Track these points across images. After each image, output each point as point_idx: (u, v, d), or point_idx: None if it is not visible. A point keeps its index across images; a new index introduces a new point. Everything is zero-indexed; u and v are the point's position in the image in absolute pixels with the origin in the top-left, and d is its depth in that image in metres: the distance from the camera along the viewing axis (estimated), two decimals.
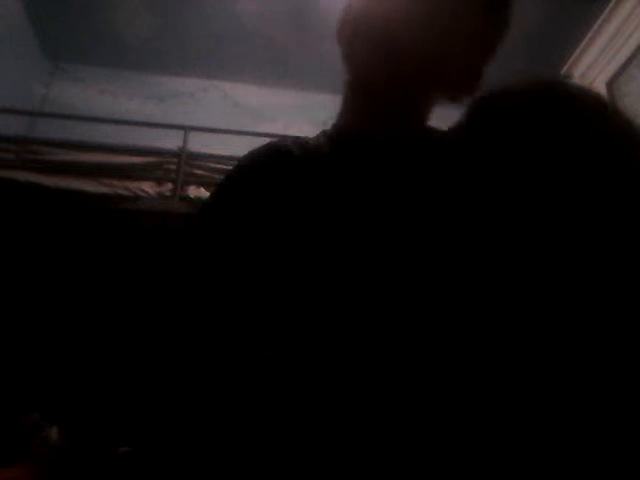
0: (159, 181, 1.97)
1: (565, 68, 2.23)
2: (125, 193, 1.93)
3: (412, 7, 0.52)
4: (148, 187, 1.94)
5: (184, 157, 1.98)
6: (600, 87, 2.09)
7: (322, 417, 0.37)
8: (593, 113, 0.43)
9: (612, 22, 1.99)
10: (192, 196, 1.97)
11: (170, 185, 1.96)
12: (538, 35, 2.65)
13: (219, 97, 3.09)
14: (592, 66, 2.13)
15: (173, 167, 1.98)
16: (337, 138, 0.53)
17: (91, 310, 2.03)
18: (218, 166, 2.04)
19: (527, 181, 0.40)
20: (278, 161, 0.51)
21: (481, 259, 0.40)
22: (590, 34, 2.09)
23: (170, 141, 2.04)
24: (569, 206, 0.39)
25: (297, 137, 0.56)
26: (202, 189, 1.99)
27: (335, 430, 0.36)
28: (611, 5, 1.98)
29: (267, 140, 0.55)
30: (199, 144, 2.10)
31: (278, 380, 0.39)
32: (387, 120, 0.54)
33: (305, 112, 3.03)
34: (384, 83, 0.52)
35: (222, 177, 0.52)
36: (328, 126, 0.60)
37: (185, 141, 2.05)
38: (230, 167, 0.54)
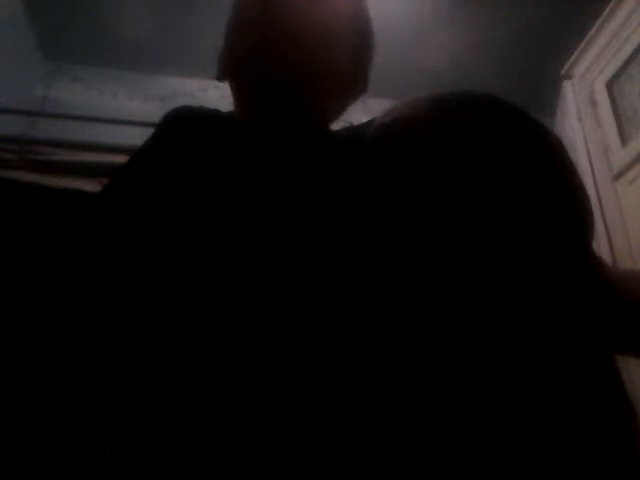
0: None
1: (565, 68, 2.23)
2: None
3: (299, 12, 0.53)
4: None
5: None
6: (600, 87, 2.08)
7: (318, 417, 0.37)
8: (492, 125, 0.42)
9: (612, 22, 1.99)
10: None
11: None
12: (538, 35, 2.65)
13: (219, 97, 3.07)
14: (592, 66, 2.12)
15: None
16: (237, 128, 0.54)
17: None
18: None
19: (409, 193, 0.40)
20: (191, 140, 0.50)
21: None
22: (590, 34, 2.08)
23: None
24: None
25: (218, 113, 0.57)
26: None
27: (331, 430, 0.36)
28: (611, 5, 1.97)
29: None
30: None
31: (270, 378, 0.39)
32: (281, 117, 0.54)
33: None
34: (273, 80, 0.53)
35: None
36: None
37: None
38: None
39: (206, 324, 0.40)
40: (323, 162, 0.47)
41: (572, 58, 2.19)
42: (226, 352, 0.40)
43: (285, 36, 0.52)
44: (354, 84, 0.63)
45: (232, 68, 0.57)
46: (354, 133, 0.51)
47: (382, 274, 0.39)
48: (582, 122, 2.09)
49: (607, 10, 1.99)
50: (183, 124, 0.52)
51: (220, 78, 0.60)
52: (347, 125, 0.60)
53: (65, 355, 0.44)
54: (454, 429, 0.35)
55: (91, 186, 1.99)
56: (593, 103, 2.10)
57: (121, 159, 2.12)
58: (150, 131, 0.58)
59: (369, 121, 0.52)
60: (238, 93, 0.58)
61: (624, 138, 1.93)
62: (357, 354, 0.38)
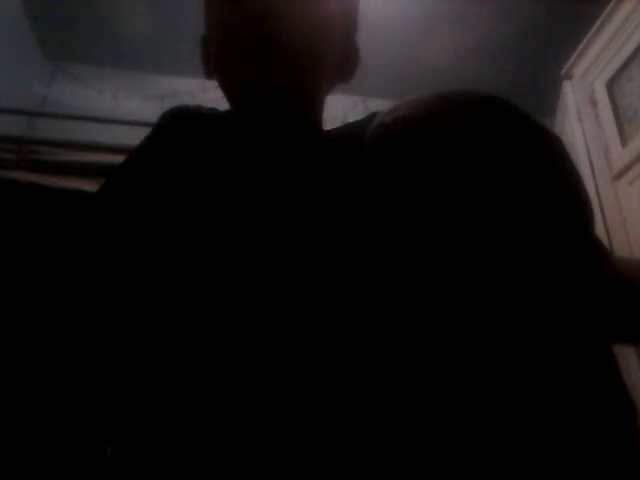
0: None
1: (565, 68, 2.23)
2: None
3: (283, 7, 0.52)
4: None
5: None
6: (600, 87, 2.08)
7: (317, 416, 0.37)
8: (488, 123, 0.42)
9: (612, 22, 1.99)
10: None
11: None
12: (538, 35, 2.65)
13: (219, 97, 3.07)
14: (592, 66, 2.12)
15: None
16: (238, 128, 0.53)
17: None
18: None
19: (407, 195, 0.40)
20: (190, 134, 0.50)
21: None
22: (590, 34, 2.08)
23: None
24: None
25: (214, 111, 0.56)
26: None
27: (330, 429, 0.36)
28: (611, 5, 1.98)
29: None
30: None
31: (270, 377, 0.39)
32: (280, 114, 0.53)
33: None
34: (278, 89, 0.52)
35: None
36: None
37: None
38: None
39: (205, 323, 0.40)
40: (322, 161, 0.47)
41: (572, 58, 2.19)
42: (225, 351, 0.40)
43: (285, 38, 0.51)
44: (348, 68, 0.63)
45: (228, 69, 0.56)
46: (353, 130, 0.51)
47: (381, 274, 0.39)
48: (582, 122, 2.09)
49: (607, 10, 1.99)
50: (180, 123, 0.52)
51: (210, 77, 0.60)
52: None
53: (65, 355, 0.44)
54: (453, 427, 0.35)
55: (91, 186, 1.99)
56: (593, 103, 2.10)
57: (121, 159, 2.11)
58: (150, 131, 0.58)
59: (368, 117, 0.52)
60: (233, 95, 0.57)
61: (624, 138, 1.93)
62: (357, 353, 0.38)
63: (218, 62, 0.57)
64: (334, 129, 0.57)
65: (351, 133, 0.50)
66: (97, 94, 3.00)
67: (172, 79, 3.11)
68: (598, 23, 2.03)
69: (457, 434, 0.35)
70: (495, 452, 0.34)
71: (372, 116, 0.51)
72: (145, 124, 2.42)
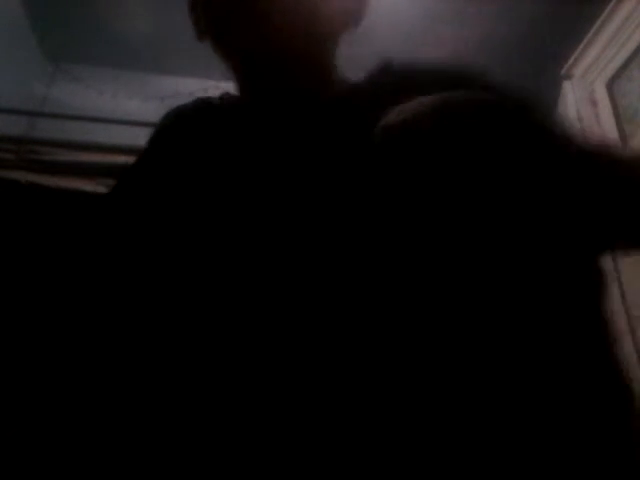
0: None
1: (565, 68, 2.23)
2: None
3: None
4: None
5: None
6: (600, 87, 2.08)
7: (317, 415, 0.37)
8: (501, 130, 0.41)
9: (612, 22, 1.99)
10: None
11: None
12: (538, 35, 2.65)
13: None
14: (592, 66, 2.12)
15: None
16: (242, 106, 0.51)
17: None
18: None
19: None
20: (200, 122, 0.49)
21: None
22: (590, 34, 2.08)
23: None
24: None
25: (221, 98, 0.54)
26: None
27: (330, 429, 0.36)
28: (611, 5, 1.98)
29: None
30: None
31: (270, 376, 0.39)
32: (295, 89, 0.51)
33: None
34: (290, 54, 0.49)
35: None
36: None
37: None
38: None
39: (205, 322, 0.40)
40: (324, 152, 0.46)
41: (572, 58, 2.19)
42: (225, 350, 0.40)
43: (278, 20, 0.49)
44: (356, 19, 0.59)
45: (222, 37, 0.54)
46: (360, 116, 0.49)
47: (382, 271, 0.39)
48: (582, 122, 2.09)
49: (607, 10, 1.99)
50: (179, 118, 0.52)
51: (202, 38, 0.57)
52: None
53: (65, 354, 0.44)
54: (454, 426, 0.35)
55: (91, 186, 1.99)
56: (593, 103, 2.10)
57: (121, 159, 2.12)
58: (150, 131, 0.58)
59: (381, 72, 0.49)
60: (230, 60, 0.55)
61: (624, 138, 1.93)
62: (356, 352, 0.38)
63: (210, 28, 0.53)
64: (347, 90, 0.53)
65: (359, 118, 0.47)
66: (97, 94, 3.00)
67: (172, 79, 3.11)
68: (598, 23, 2.03)
69: (456, 426, 0.35)
70: (493, 452, 0.34)
71: (385, 67, 0.48)
72: (145, 124, 2.40)
